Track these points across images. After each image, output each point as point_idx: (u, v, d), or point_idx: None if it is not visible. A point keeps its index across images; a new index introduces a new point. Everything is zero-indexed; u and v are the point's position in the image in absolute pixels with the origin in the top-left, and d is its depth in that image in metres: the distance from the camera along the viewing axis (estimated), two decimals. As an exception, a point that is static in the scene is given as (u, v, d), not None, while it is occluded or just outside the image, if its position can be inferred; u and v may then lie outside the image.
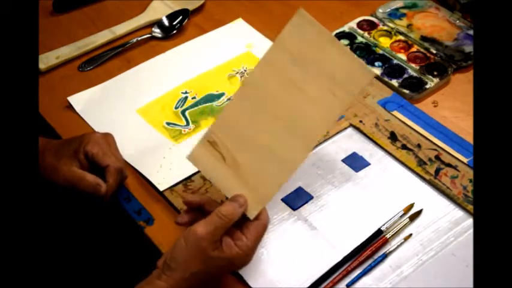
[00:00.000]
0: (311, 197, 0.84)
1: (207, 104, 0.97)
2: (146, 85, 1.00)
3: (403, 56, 1.02)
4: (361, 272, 0.77)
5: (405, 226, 0.80)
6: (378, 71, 1.00)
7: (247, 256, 0.73)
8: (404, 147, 0.89)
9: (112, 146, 0.86)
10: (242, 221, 0.73)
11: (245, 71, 1.02)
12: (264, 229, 0.74)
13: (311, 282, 0.76)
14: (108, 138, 0.86)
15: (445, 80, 0.99)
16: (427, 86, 0.97)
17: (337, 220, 0.82)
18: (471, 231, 0.80)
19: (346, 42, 1.05)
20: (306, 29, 0.74)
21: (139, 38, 1.07)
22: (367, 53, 1.03)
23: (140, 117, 0.96)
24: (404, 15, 1.09)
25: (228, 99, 0.97)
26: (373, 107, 0.95)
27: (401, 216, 0.81)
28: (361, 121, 0.93)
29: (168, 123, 0.94)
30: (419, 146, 0.89)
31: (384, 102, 0.95)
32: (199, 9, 1.13)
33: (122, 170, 0.84)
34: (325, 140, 0.91)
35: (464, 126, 0.92)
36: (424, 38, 1.05)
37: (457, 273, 0.76)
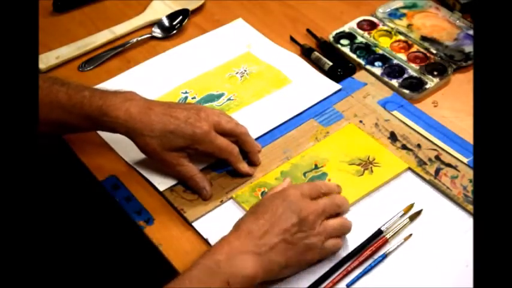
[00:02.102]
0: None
1: (207, 104, 0.97)
2: (146, 85, 1.00)
3: (403, 56, 1.02)
4: (361, 272, 0.76)
5: (405, 226, 0.80)
6: (378, 71, 1.00)
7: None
8: (404, 147, 0.89)
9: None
10: None
11: (245, 71, 1.02)
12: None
13: (311, 282, 0.76)
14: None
15: (445, 80, 0.99)
16: (427, 86, 0.97)
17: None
18: (471, 231, 0.79)
19: (346, 42, 1.05)
20: None
21: (139, 38, 1.07)
22: (367, 53, 1.03)
23: (140, 117, 0.96)
24: (404, 15, 1.09)
25: (228, 99, 0.98)
26: (373, 107, 0.95)
27: (401, 216, 0.81)
28: (361, 121, 0.93)
29: (168, 123, 0.94)
30: (419, 146, 0.89)
31: (384, 102, 0.95)
32: (199, 9, 1.13)
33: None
34: (325, 140, 0.91)
35: (464, 126, 0.92)
36: (424, 38, 1.05)
37: (457, 273, 0.76)
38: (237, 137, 0.86)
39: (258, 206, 0.76)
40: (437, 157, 0.88)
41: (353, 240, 0.79)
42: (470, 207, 0.82)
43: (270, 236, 0.72)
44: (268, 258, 0.71)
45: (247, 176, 0.86)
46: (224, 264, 0.70)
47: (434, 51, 1.02)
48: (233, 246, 0.71)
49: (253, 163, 0.87)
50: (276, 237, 0.72)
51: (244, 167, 0.86)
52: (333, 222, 0.76)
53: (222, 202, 0.84)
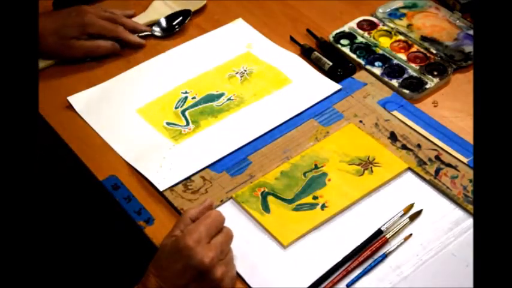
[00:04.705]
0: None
1: (207, 104, 0.97)
2: (146, 85, 1.00)
3: (403, 56, 1.02)
4: (361, 272, 0.77)
5: (405, 226, 0.80)
6: (378, 71, 1.00)
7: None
8: (404, 147, 0.89)
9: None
10: None
11: (245, 71, 1.02)
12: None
13: (311, 282, 0.76)
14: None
15: (445, 80, 0.99)
16: (427, 86, 0.97)
17: (337, 220, 0.82)
18: (471, 231, 0.80)
19: (346, 42, 1.05)
20: None
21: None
22: (367, 53, 1.03)
23: (140, 117, 0.96)
24: (404, 15, 1.09)
25: (228, 99, 0.98)
26: (373, 107, 0.95)
27: (401, 216, 0.81)
28: (361, 121, 0.93)
29: (168, 123, 0.95)
30: (419, 146, 0.89)
31: (384, 102, 0.95)
32: (199, 9, 1.13)
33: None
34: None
35: (464, 126, 0.92)
36: (424, 38, 1.05)
37: (457, 273, 0.76)
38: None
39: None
40: (437, 157, 0.88)
41: (353, 240, 0.79)
42: (470, 207, 0.82)
43: None
44: None
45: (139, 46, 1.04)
46: None
47: (434, 51, 1.02)
48: None
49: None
50: None
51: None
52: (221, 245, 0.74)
53: (222, 202, 0.84)
